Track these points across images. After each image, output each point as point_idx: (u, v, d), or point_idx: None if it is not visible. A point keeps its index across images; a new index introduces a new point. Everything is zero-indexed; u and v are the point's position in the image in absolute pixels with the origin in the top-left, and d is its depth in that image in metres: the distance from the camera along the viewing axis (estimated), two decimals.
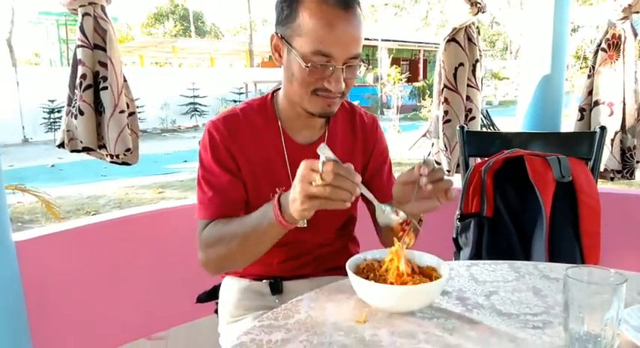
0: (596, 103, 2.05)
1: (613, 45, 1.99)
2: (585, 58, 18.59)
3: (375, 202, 0.90)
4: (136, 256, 1.89)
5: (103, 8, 1.60)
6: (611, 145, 2.01)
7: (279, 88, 1.13)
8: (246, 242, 0.98)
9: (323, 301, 0.92)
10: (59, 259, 1.72)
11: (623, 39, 1.96)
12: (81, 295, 1.76)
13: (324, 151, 0.82)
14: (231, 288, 1.22)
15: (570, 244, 1.48)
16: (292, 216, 0.87)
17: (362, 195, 1.20)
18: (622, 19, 1.95)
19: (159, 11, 34.70)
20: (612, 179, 2.07)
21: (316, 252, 1.19)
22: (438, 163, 2.33)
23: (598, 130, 1.62)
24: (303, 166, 0.82)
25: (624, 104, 1.98)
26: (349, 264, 0.90)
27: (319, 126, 1.16)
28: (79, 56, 1.59)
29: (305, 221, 1.08)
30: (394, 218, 0.90)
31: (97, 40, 1.60)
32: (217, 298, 1.28)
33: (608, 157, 2.02)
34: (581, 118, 2.10)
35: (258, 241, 0.97)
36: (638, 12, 1.94)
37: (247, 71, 19.04)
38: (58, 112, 11.90)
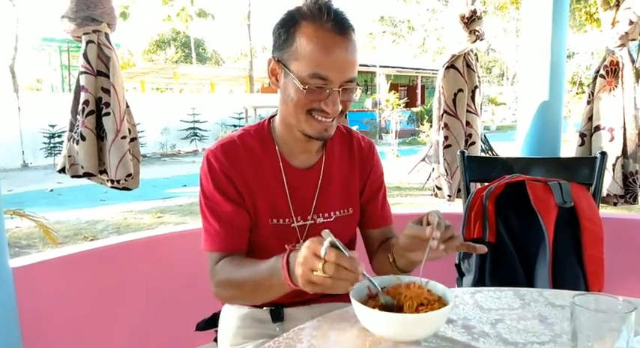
0: (597, 129, 2.06)
1: (611, 71, 2.01)
2: (581, 84, 18.82)
3: (379, 289, 0.89)
4: (133, 283, 1.87)
5: (107, 36, 1.63)
6: (613, 171, 2.01)
7: (276, 114, 1.14)
8: (256, 291, 1.00)
9: (326, 329, 0.90)
10: (56, 285, 1.70)
11: (621, 65, 1.99)
12: (78, 322, 1.73)
13: (328, 236, 0.81)
14: (231, 315, 1.19)
15: (574, 269, 1.47)
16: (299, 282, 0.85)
17: (362, 213, 1.21)
18: (619, 46, 1.98)
19: (160, 38, 35.22)
20: (615, 204, 2.06)
21: None
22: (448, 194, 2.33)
23: (599, 155, 1.62)
24: (306, 248, 0.81)
25: (625, 129, 1.99)
26: (352, 291, 0.88)
27: (316, 150, 1.16)
28: (81, 82, 1.60)
29: None
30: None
31: (101, 67, 1.61)
32: (217, 325, 1.26)
33: (611, 183, 2.02)
34: (582, 144, 2.11)
35: (267, 292, 0.98)
36: (634, 39, 1.98)
37: (247, 96, 19.20)
38: (59, 137, 11.95)
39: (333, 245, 0.79)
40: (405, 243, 0.96)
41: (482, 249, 0.91)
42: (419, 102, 23.15)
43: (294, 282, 0.86)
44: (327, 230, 0.82)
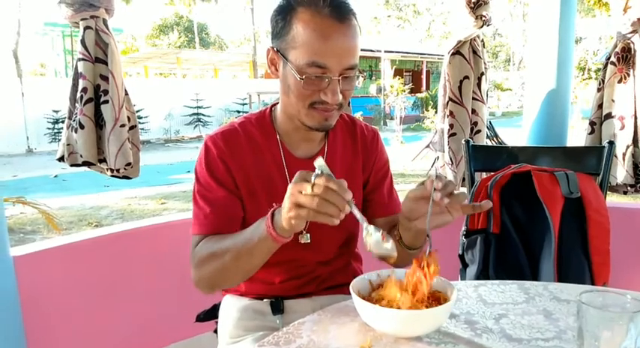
0: (607, 117, 2.02)
1: (622, 58, 1.96)
2: (589, 70, 18.60)
3: (363, 222, 0.87)
4: (135, 271, 1.86)
5: (105, 21, 1.59)
6: (623, 159, 1.98)
7: (278, 103, 1.12)
8: (238, 257, 0.94)
9: (326, 323, 0.88)
10: (57, 274, 1.70)
11: (633, 52, 1.94)
12: (79, 311, 1.73)
13: (320, 164, 0.82)
14: (231, 307, 1.18)
15: (579, 261, 1.45)
16: (283, 227, 0.85)
17: (364, 209, 1.19)
18: (632, 32, 1.93)
19: (163, 23, 34.98)
20: (625, 193, 2.03)
21: (318, 270, 1.16)
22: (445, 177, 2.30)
23: (606, 144, 1.59)
24: (297, 175, 0.82)
25: (636, 118, 1.95)
26: (353, 285, 0.86)
27: (318, 139, 1.13)
28: (80, 69, 1.58)
29: (308, 236, 1.06)
30: (381, 246, 0.85)
31: (99, 54, 1.59)
32: (217, 317, 1.25)
33: (620, 171, 1.98)
34: (592, 132, 2.07)
35: (250, 256, 0.94)
36: None
37: (251, 82, 19.11)
38: (62, 122, 11.92)
39: (324, 173, 0.81)
40: (408, 208, 0.91)
41: (488, 204, 0.86)
42: (424, 88, 22.96)
43: (276, 230, 0.86)
44: (320, 158, 0.83)
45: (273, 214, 0.88)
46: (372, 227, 0.87)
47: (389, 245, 0.86)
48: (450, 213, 0.86)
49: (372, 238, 0.86)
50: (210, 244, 1.00)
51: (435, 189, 0.83)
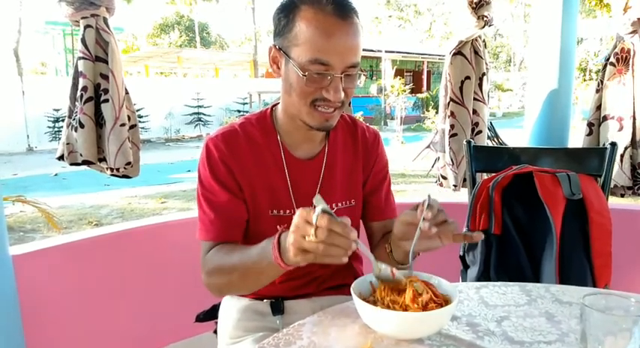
0: (605, 118, 2.01)
1: (622, 59, 1.96)
2: (590, 71, 18.58)
3: (372, 258, 0.87)
4: (135, 271, 1.86)
5: (105, 20, 1.59)
6: (621, 161, 1.96)
7: (278, 103, 1.12)
8: (246, 277, 0.96)
9: (326, 325, 0.88)
10: (57, 273, 1.69)
11: (632, 53, 1.93)
12: (78, 310, 1.73)
13: (319, 203, 0.78)
14: (231, 307, 1.18)
15: (581, 263, 1.44)
16: (290, 260, 0.83)
17: (362, 211, 1.19)
18: (631, 33, 1.92)
19: (164, 22, 35.00)
20: (623, 195, 2.02)
21: (319, 271, 1.16)
22: (446, 181, 2.30)
23: (608, 146, 1.58)
24: (298, 215, 0.78)
25: (634, 119, 1.94)
26: (354, 287, 0.86)
27: (319, 140, 1.13)
28: (80, 68, 1.57)
29: None
30: (389, 279, 0.86)
31: (99, 52, 1.58)
32: (216, 317, 1.25)
33: (618, 173, 1.97)
34: (590, 133, 2.06)
35: (258, 277, 0.95)
36: None
37: (251, 81, 19.10)
38: (63, 121, 11.90)
39: (325, 212, 0.76)
40: (399, 231, 0.94)
41: (479, 236, 0.87)
42: (424, 88, 22.95)
43: (284, 260, 0.84)
44: (318, 196, 0.80)
45: (279, 242, 0.85)
46: (382, 264, 0.87)
47: (400, 276, 0.86)
48: (440, 239, 0.87)
49: (382, 274, 0.86)
50: (219, 256, 1.01)
51: (424, 218, 0.84)
